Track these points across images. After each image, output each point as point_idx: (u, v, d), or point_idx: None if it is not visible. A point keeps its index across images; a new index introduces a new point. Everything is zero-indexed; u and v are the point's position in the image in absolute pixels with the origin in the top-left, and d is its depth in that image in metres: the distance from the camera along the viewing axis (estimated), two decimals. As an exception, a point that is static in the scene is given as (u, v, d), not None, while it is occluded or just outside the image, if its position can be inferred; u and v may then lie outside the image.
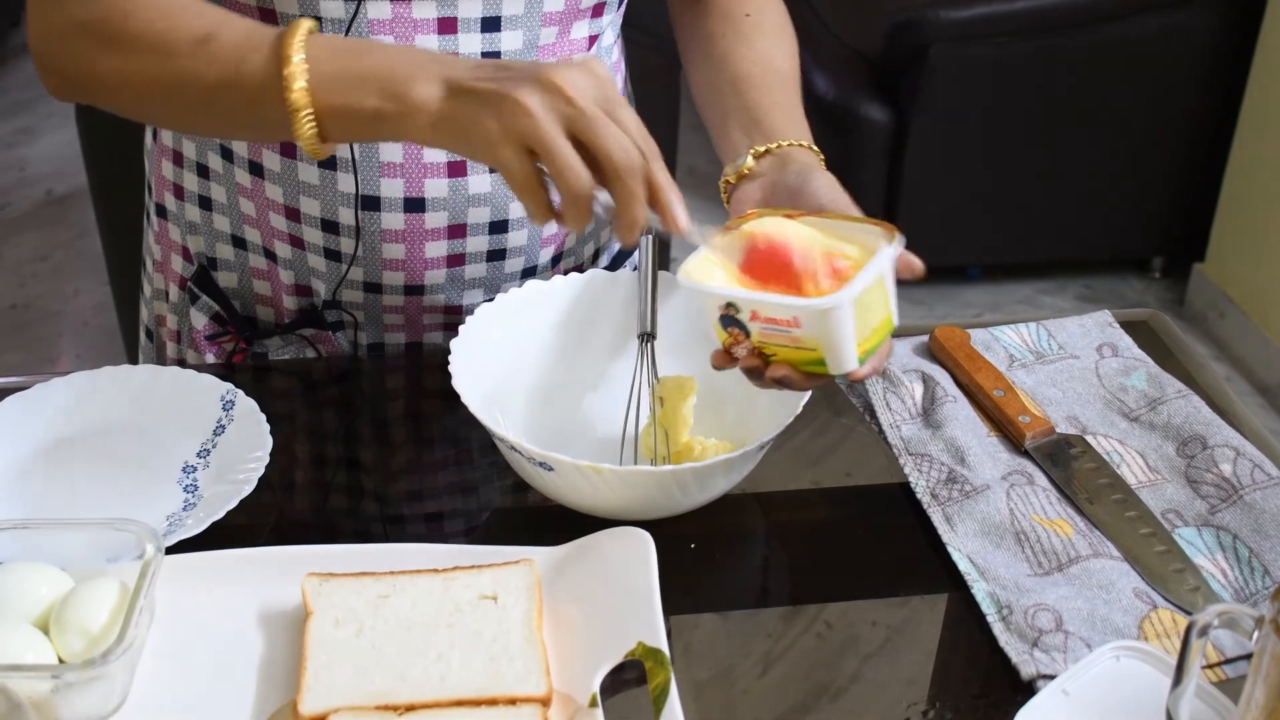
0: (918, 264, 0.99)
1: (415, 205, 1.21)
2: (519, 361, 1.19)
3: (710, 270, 0.97)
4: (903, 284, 0.98)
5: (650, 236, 1.22)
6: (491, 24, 1.17)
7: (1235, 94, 3.37)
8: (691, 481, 1.02)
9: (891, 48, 3.36)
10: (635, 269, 1.21)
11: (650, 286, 1.17)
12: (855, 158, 3.41)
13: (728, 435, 1.13)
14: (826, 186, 1.08)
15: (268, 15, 1.14)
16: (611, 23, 1.28)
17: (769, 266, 0.96)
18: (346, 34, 1.14)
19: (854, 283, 0.92)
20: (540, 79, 0.92)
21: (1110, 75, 3.35)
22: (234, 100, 1.03)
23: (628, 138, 0.93)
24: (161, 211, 1.36)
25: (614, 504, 1.04)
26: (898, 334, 1.27)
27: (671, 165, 1.27)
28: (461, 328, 1.14)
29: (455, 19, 1.16)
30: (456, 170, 1.21)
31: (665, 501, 1.04)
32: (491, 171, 1.22)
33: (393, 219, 1.23)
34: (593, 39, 1.25)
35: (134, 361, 1.22)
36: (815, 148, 1.15)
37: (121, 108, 1.11)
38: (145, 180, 1.40)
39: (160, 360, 1.43)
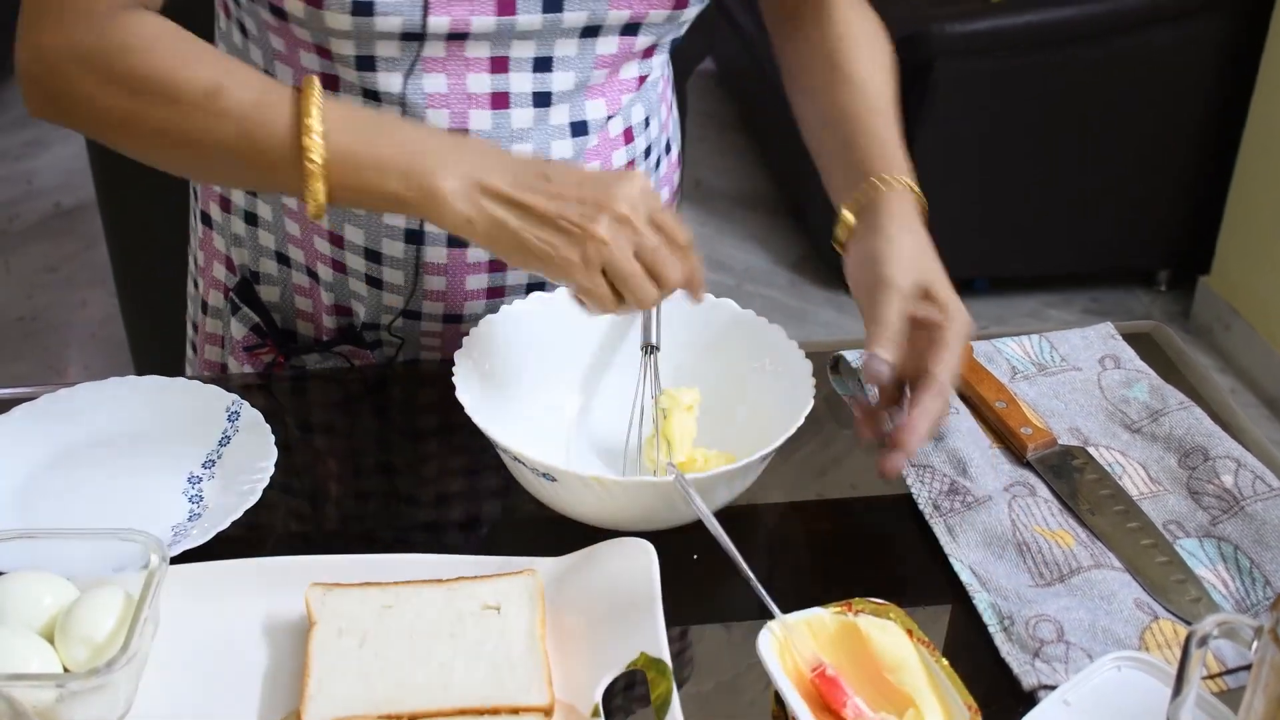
0: None
1: (459, 239, 1.20)
2: (523, 372, 1.19)
3: (801, 638, 0.92)
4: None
5: None
6: (543, 64, 1.17)
7: (1240, 107, 3.38)
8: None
9: (896, 61, 3.35)
10: None
11: None
12: (861, 170, 3.40)
13: (731, 446, 1.14)
14: (906, 260, 1.12)
15: (323, 52, 1.15)
16: (661, 61, 1.28)
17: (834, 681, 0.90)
18: (408, 75, 1.14)
19: None
20: (611, 211, 1.00)
21: (1115, 89, 3.35)
22: (244, 159, 1.04)
23: (678, 258, 1.03)
24: (206, 220, 1.36)
25: (616, 514, 1.04)
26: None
27: (680, 179, 1.28)
28: (465, 339, 1.15)
29: (507, 58, 1.16)
30: None
31: (667, 512, 1.04)
32: None
33: (436, 252, 1.23)
34: (642, 79, 1.25)
35: (142, 371, 1.22)
36: (908, 181, 1.18)
37: (119, 146, 1.09)
38: (190, 186, 1.40)
39: (197, 361, 1.44)
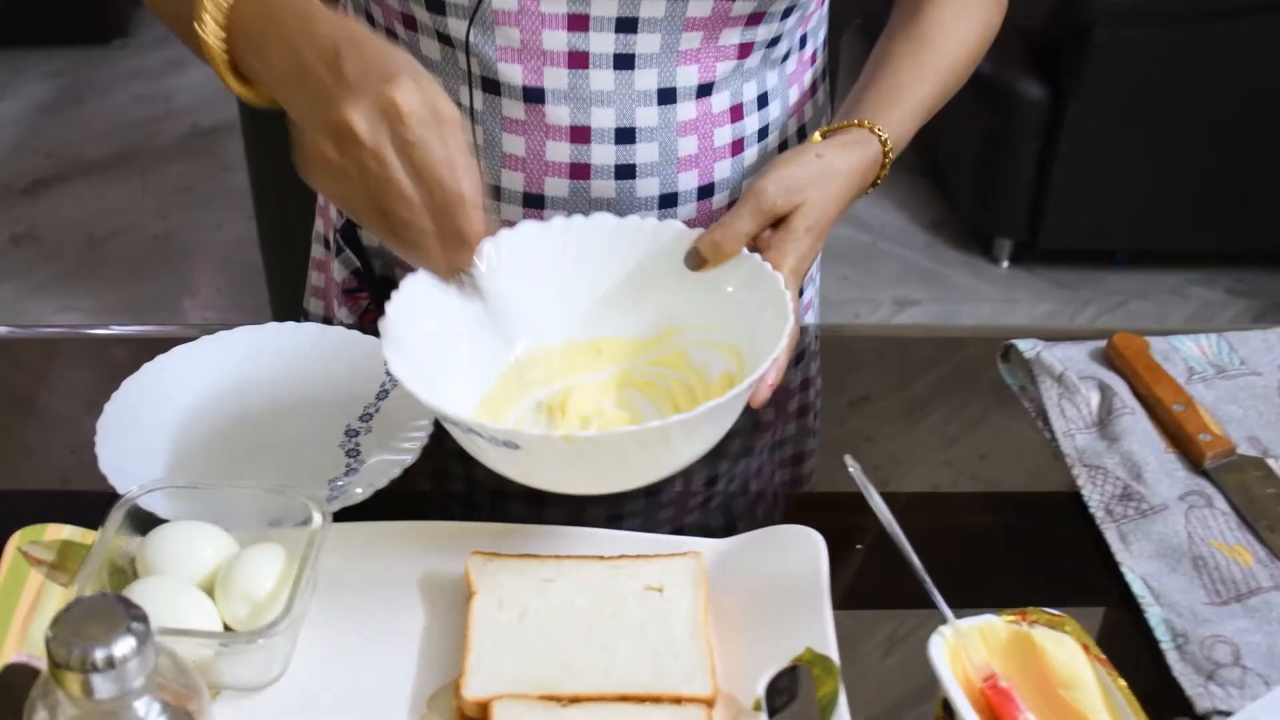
0: None
1: (534, 201, 1.18)
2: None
3: (974, 645, 0.88)
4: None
5: None
6: (627, 24, 1.11)
7: None
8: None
9: (1053, 25, 3.28)
10: None
11: None
12: (1009, 134, 3.35)
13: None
14: (797, 182, 1.06)
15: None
16: (788, 32, 1.20)
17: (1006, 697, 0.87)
18: (470, 25, 1.11)
19: None
20: (380, 97, 0.84)
21: (1277, 66, 3.25)
22: (193, 43, 0.98)
23: (423, 182, 0.85)
24: None
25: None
26: (1070, 336, 1.24)
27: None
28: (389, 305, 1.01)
29: (587, 16, 1.10)
30: (579, 173, 1.17)
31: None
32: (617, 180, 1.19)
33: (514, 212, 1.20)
34: (745, 46, 1.17)
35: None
36: (886, 136, 1.13)
37: None
38: None
39: (321, 298, 1.44)
